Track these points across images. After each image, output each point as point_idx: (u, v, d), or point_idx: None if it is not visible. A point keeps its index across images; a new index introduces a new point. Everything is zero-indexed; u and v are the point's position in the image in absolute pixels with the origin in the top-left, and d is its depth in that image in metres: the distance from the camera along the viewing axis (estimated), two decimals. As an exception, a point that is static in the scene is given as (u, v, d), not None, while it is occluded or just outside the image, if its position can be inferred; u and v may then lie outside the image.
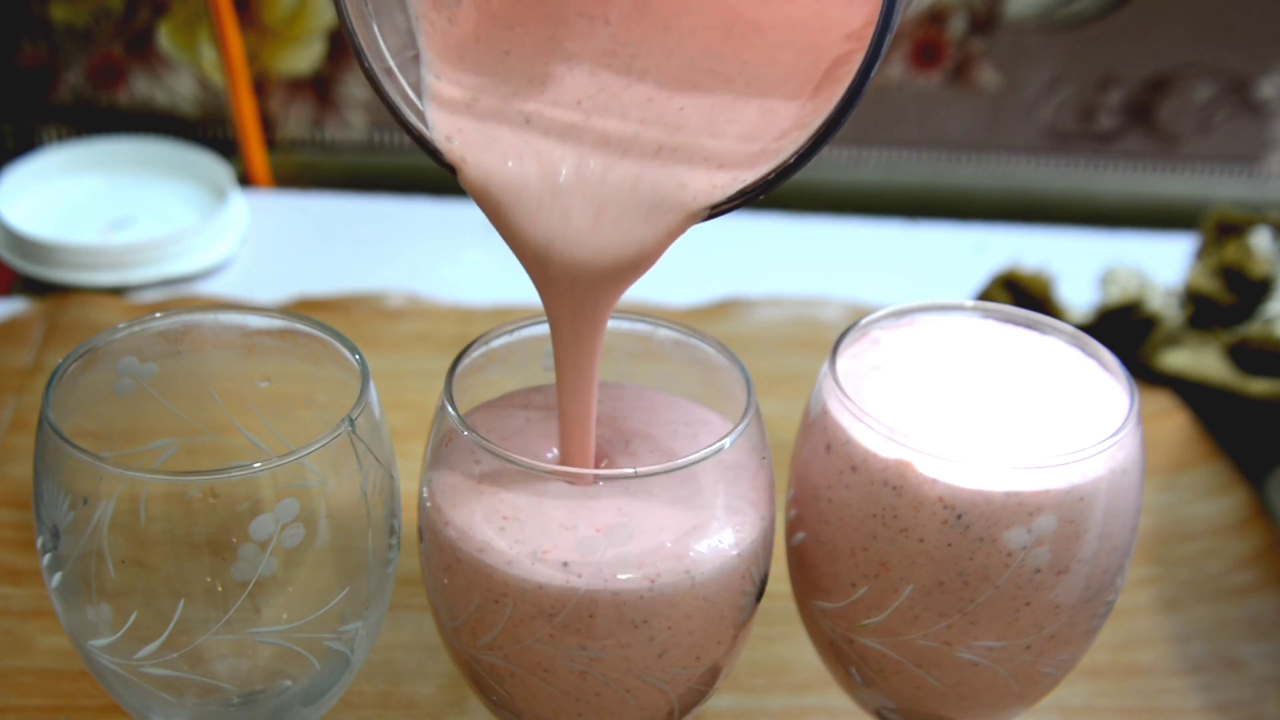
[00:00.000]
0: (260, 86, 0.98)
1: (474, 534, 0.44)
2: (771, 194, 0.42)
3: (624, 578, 0.43)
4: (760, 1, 0.43)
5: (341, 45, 0.97)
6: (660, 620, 0.43)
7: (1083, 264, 0.86)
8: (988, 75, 0.99)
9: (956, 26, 0.97)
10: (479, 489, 0.44)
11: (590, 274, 0.43)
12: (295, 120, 1.00)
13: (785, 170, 0.41)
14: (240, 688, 0.44)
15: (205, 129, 1.00)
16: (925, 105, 1.00)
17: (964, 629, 0.45)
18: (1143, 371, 0.78)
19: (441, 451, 0.46)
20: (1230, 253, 0.80)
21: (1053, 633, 0.46)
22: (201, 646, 0.42)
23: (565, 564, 0.43)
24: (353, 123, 1.01)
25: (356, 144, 1.02)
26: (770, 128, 0.42)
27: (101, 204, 0.92)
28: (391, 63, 0.44)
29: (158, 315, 0.47)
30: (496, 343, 0.50)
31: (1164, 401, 0.77)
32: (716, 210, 0.42)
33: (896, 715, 0.49)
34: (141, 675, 0.43)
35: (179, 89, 0.99)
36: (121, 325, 0.46)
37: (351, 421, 0.43)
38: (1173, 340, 0.79)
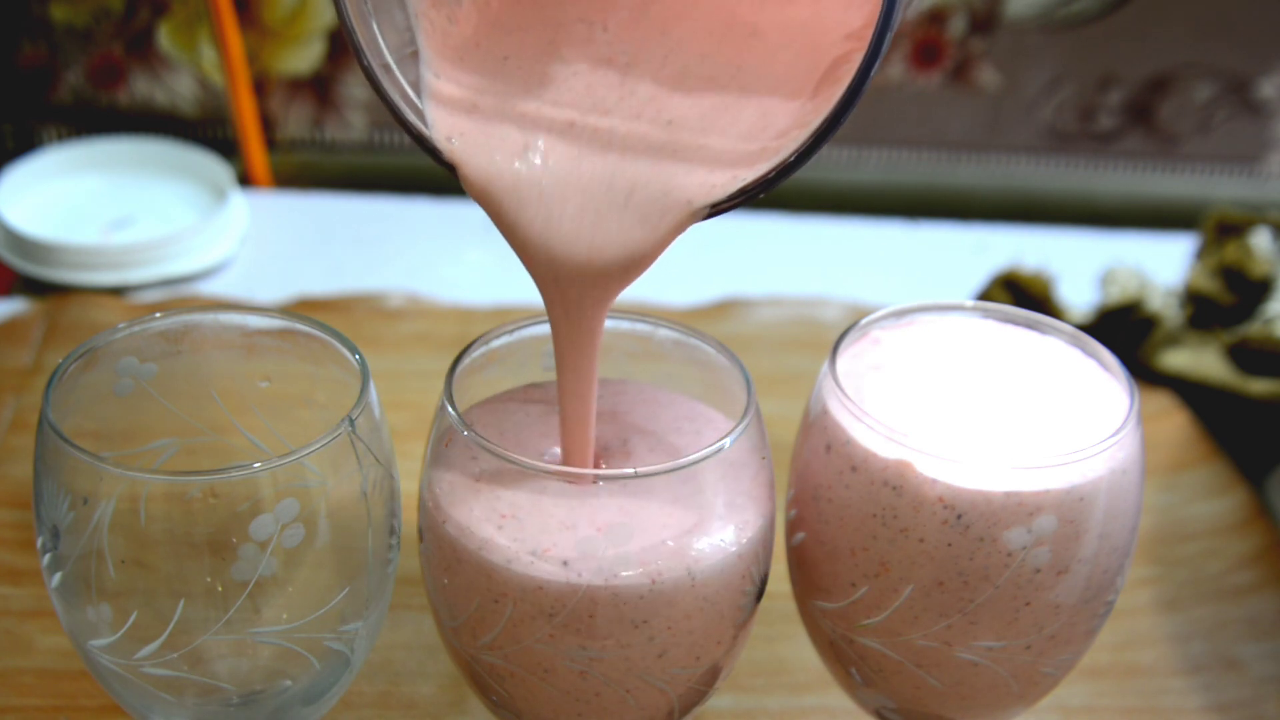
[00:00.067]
0: (260, 86, 0.98)
1: (474, 532, 0.44)
2: (771, 193, 0.42)
3: (624, 576, 0.43)
4: (759, 5, 0.43)
5: (342, 45, 0.97)
6: (660, 620, 0.43)
7: (1083, 264, 0.86)
8: (988, 75, 0.99)
9: (956, 26, 0.97)
10: (479, 488, 0.44)
11: (590, 272, 0.43)
12: (295, 120, 1.00)
13: (785, 169, 0.41)
14: (240, 688, 0.44)
15: (205, 129, 1.00)
16: (925, 105, 1.00)
17: (964, 629, 0.45)
18: (1143, 371, 0.78)
19: (441, 451, 0.46)
20: (1230, 253, 0.80)
21: (1053, 633, 0.46)
22: (201, 646, 0.42)
23: (565, 562, 0.43)
24: (353, 123, 1.01)
25: (356, 144, 1.02)
26: (770, 127, 0.42)
27: (101, 204, 0.92)
28: (390, 60, 0.44)
29: (158, 315, 0.47)
30: (496, 343, 0.50)
31: (1164, 401, 0.77)
32: (716, 209, 0.42)
33: (896, 715, 0.49)
34: (141, 675, 0.43)
35: (179, 89, 0.99)
36: (121, 325, 0.46)
37: (351, 421, 0.43)
38: (1173, 340, 0.79)
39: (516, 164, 0.43)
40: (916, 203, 1.02)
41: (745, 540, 0.45)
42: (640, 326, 0.51)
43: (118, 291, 0.84)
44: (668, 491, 0.43)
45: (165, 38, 0.97)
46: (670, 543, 0.43)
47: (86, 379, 0.45)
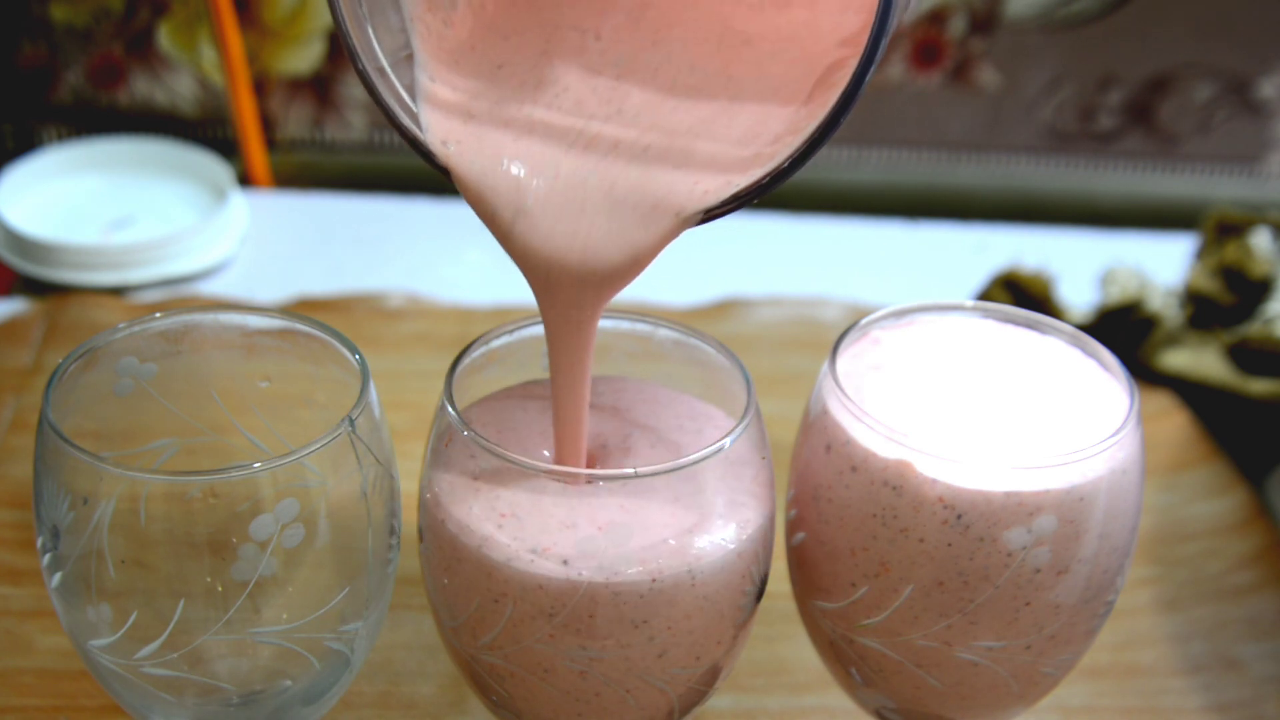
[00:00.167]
0: (260, 86, 0.98)
1: (474, 531, 0.44)
2: (770, 194, 0.42)
3: (624, 575, 0.43)
4: (752, 14, 0.43)
5: (341, 46, 0.97)
6: (660, 620, 0.43)
7: (1083, 264, 0.86)
8: (988, 75, 0.99)
9: (956, 26, 0.97)
10: (479, 487, 0.44)
11: (583, 277, 0.43)
12: (295, 120, 1.00)
13: (779, 174, 0.41)
14: (240, 688, 0.44)
15: (205, 129, 1.00)
16: (925, 105, 1.00)
17: (964, 629, 0.45)
18: (1143, 371, 0.78)
19: (441, 451, 0.46)
20: (1230, 253, 0.80)
21: (1053, 633, 0.46)
22: (201, 646, 0.42)
23: (565, 561, 0.43)
24: (353, 123, 1.01)
25: (356, 144, 1.02)
26: (764, 132, 0.42)
27: (101, 204, 0.92)
28: (385, 63, 0.44)
29: (158, 315, 0.47)
30: (496, 343, 0.50)
31: (1164, 401, 0.77)
32: (710, 214, 0.42)
33: (896, 715, 0.49)
34: (141, 675, 0.43)
35: (179, 89, 0.99)
36: (121, 325, 0.46)
37: (351, 421, 0.43)
38: (1173, 340, 0.79)
39: (510, 168, 0.43)
40: (916, 203, 1.02)
41: (745, 540, 0.45)
42: (640, 326, 0.51)
43: (118, 291, 0.84)
44: (668, 490, 0.43)
45: (165, 38, 0.97)
46: (671, 541, 0.43)
47: (86, 379, 0.45)
